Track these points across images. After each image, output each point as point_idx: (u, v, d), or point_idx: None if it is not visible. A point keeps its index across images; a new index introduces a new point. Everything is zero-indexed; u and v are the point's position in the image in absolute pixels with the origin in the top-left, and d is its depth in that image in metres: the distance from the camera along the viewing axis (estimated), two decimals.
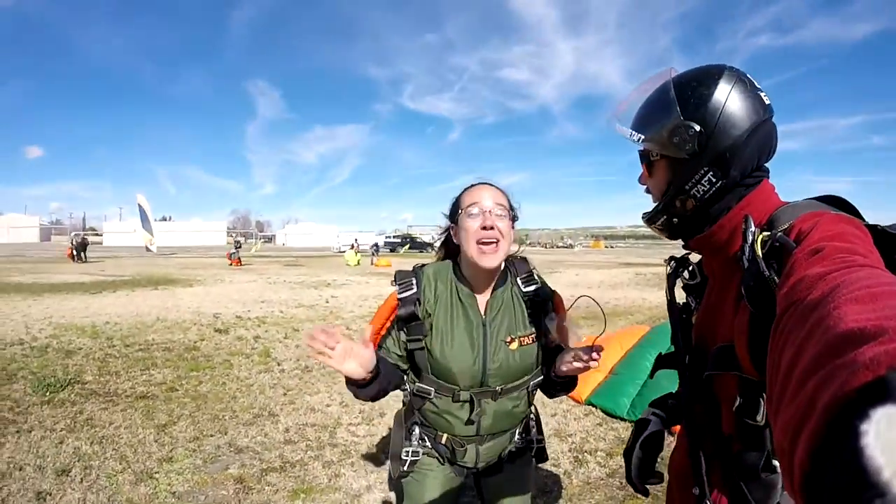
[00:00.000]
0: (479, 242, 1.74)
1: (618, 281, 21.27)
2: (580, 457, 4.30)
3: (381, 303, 1.91)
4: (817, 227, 0.93)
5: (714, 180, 1.18)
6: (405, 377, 1.90)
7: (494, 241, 1.74)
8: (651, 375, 1.61)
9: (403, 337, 1.84)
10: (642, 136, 1.27)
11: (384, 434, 4.76)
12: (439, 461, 1.92)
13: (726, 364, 1.14)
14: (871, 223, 0.99)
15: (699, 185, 1.19)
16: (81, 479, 3.79)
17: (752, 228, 1.03)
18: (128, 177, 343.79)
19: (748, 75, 1.21)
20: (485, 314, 1.85)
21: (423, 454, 1.91)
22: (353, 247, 37.38)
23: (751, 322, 1.02)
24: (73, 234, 36.56)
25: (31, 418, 4.91)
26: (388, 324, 1.86)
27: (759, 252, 0.98)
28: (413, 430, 1.92)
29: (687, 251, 1.44)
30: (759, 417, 1.08)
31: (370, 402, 5.48)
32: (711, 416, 1.24)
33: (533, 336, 1.87)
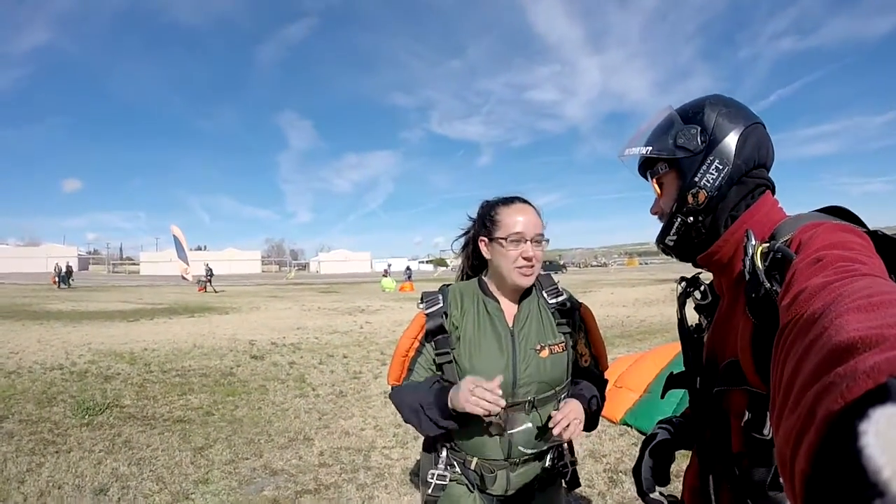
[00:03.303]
0: (518, 268, 1.82)
1: (653, 298, 21.08)
2: (615, 477, 4.24)
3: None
4: (817, 237, 0.93)
5: (721, 167, 1.23)
6: None
7: (532, 265, 1.83)
8: (662, 395, 1.64)
9: (432, 352, 1.85)
10: (650, 147, 1.34)
11: (418, 457, 4.71)
12: (469, 489, 1.88)
13: (734, 379, 1.15)
14: (871, 229, 1.00)
15: (708, 174, 1.24)
16: (119, 498, 3.83)
17: (753, 242, 1.04)
18: (163, 207, 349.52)
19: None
20: (512, 325, 1.87)
21: (452, 480, 1.88)
22: (385, 273, 37.61)
23: (754, 333, 1.03)
24: (56, 262, 37.86)
25: (70, 440, 4.98)
26: (417, 343, 1.87)
27: (759, 264, 0.98)
28: (441, 453, 1.90)
29: (698, 271, 1.47)
30: (766, 431, 1.08)
31: (404, 426, 5.48)
32: (721, 434, 1.24)
33: (563, 345, 1.89)
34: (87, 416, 5.65)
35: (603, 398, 1.95)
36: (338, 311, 18.44)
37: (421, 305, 1.89)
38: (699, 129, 1.26)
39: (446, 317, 1.84)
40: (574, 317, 1.94)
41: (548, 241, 1.91)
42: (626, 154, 1.40)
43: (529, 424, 1.80)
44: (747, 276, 1.01)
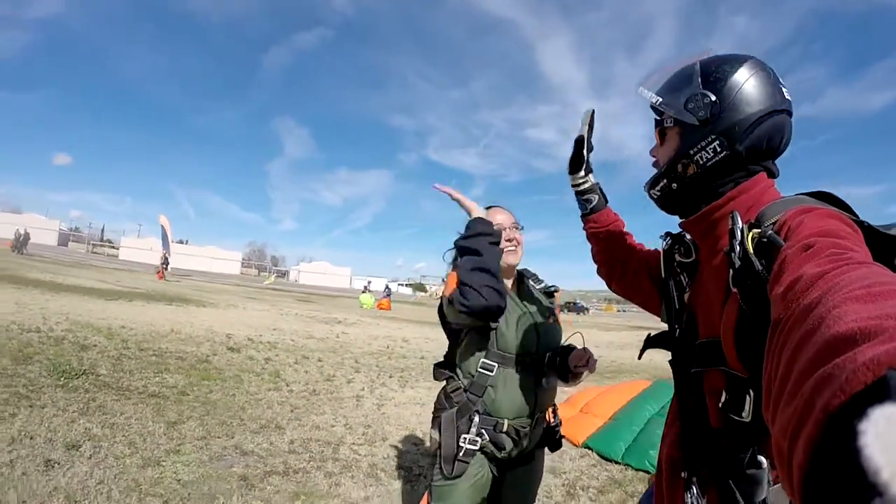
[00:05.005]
0: (503, 248, 2.16)
1: (626, 342, 21.17)
2: (572, 491, 4.40)
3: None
4: (806, 223, 0.92)
5: (719, 150, 1.21)
6: (457, 373, 2.18)
7: (515, 245, 2.27)
8: (639, 356, 1.65)
9: None
10: (660, 99, 1.31)
11: (385, 455, 4.86)
12: (489, 458, 2.13)
13: (711, 360, 1.16)
14: (860, 219, 0.98)
15: (703, 152, 1.22)
16: (90, 455, 3.88)
17: (740, 225, 1.02)
18: (150, 195, 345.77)
19: (773, 69, 1.25)
20: (522, 304, 2.27)
21: (481, 447, 2.08)
22: (365, 289, 37.55)
23: (739, 319, 1.02)
24: (17, 229, 39.30)
25: (44, 397, 5.00)
26: None
27: (751, 249, 0.96)
28: (473, 419, 2.07)
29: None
30: (744, 414, 1.07)
31: (373, 427, 5.56)
32: (700, 408, 1.24)
33: (553, 317, 2.33)
34: (62, 379, 5.66)
35: None
36: (315, 319, 18.34)
37: None
38: (712, 99, 1.21)
39: None
40: (553, 298, 2.44)
41: (523, 227, 2.36)
42: (640, 92, 1.38)
43: (555, 376, 2.20)
44: (737, 262, 0.99)
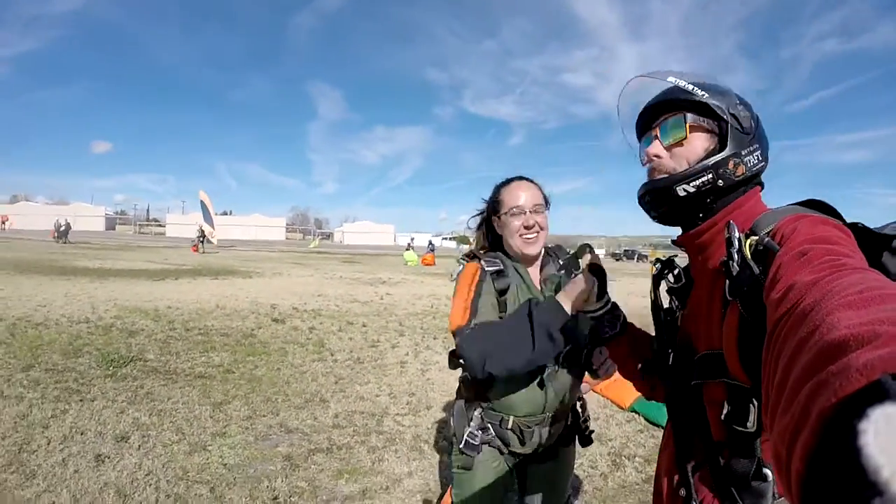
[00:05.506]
0: (521, 236, 2.00)
1: None
2: (618, 461, 4.30)
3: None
4: (799, 230, 0.93)
5: (760, 159, 1.23)
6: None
7: (535, 233, 2.01)
8: (637, 386, 1.65)
9: (494, 289, 1.94)
10: (706, 94, 1.23)
11: (428, 425, 4.85)
12: (500, 451, 2.01)
13: (712, 372, 1.16)
14: (852, 222, 1.01)
15: (752, 156, 1.22)
16: (139, 446, 3.96)
17: (737, 234, 1.03)
18: (191, 171, 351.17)
19: None
20: (541, 287, 2.05)
21: (484, 443, 1.99)
22: (409, 246, 37.68)
23: (740, 326, 1.03)
24: (56, 219, 40.76)
25: (94, 389, 5.14)
26: (472, 292, 1.91)
27: (749, 255, 0.99)
28: (474, 412, 1.99)
29: (674, 253, 1.48)
30: (748, 424, 1.08)
31: (417, 395, 5.59)
32: (700, 422, 1.23)
33: None
34: (111, 368, 5.81)
35: None
36: (359, 281, 18.53)
37: (483, 263, 1.99)
38: (750, 114, 1.23)
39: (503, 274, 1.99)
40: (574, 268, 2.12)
41: (548, 207, 2.09)
42: (676, 82, 1.27)
43: (569, 375, 1.99)
44: (736, 269, 1.01)
